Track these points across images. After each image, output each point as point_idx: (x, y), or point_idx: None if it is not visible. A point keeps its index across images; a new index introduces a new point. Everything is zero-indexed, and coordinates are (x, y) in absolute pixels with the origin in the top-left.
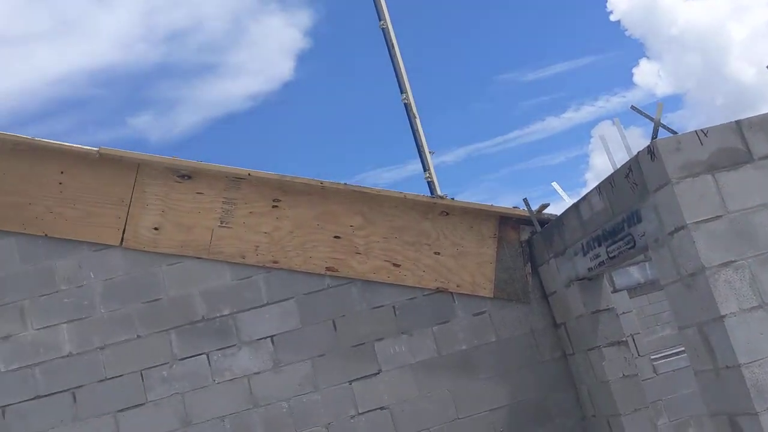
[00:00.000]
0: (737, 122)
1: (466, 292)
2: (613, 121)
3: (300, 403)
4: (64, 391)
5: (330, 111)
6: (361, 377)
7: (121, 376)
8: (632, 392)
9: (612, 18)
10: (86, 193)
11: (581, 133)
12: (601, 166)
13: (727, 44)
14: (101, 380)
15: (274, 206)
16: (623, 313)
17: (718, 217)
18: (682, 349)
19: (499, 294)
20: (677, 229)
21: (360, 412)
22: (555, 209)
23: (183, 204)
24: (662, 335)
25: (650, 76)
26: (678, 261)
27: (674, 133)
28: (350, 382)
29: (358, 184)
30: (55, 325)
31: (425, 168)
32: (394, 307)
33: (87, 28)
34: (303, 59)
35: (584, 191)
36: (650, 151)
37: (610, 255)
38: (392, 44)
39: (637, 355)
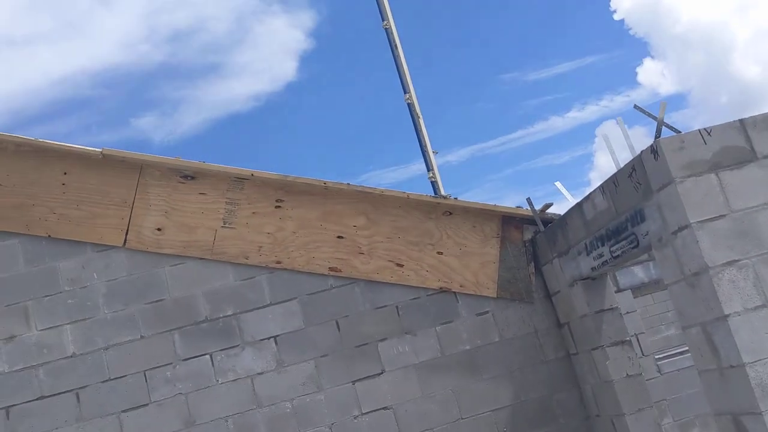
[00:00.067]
0: (741, 121)
1: (469, 292)
2: (617, 121)
3: (303, 404)
4: (68, 391)
5: (333, 111)
6: (365, 377)
7: (124, 376)
8: (636, 392)
9: (616, 17)
10: (89, 194)
11: (585, 133)
12: (605, 165)
13: (731, 43)
14: (105, 381)
15: (277, 206)
16: (627, 312)
17: (721, 216)
18: (687, 348)
19: (503, 294)
20: (681, 229)
21: (363, 412)
22: (558, 209)
23: (186, 205)
24: (666, 335)
25: (654, 75)
26: (682, 260)
27: (677, 132)
28: (353, 382)
29: (361, 184)
30: (58, 325)
31: (429, 168)
32: (397, 307)
33: (90, 29)
34: (306, 60)
35: (589, 191)
36: (653, 150)
37: (614, 254)
38: (395, 44)
39: (641, 355)
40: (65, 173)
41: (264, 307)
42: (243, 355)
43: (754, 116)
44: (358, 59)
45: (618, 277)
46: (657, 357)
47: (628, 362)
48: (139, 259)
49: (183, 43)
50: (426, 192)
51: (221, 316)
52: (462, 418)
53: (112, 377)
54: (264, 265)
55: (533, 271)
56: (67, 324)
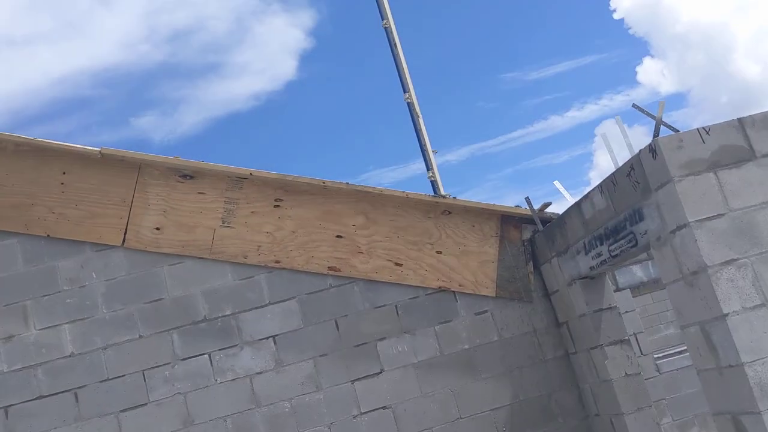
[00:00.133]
0: (740, 120)
1: (468, 292)
2: (616, 120)
3: (302, 403)
4: (67, 391)
5: (333, 111)
6: (364, 377)
7: (123, 376)
8: (635, 391)
9: (615, 16)
10: (88, 193)
11: (585, 132)
12: (605, 164)
13: (731, 42)
14: (103, 380)
15: (276, 206)
16: (626, 311)
17: (720, 215)
18: (685, 348)
19: (502, 293)
20: (679, 228)
21: (362, 411)
22: (557, 208)
23: (185, 204)
24: (665, 334)
25: (654, 75)
26: (680, 259)
27: (676, 131)
28: (352, 381)
29: (360, 183)
30: (57, 325)
31: (428, 167)
32: (396, 306)
33: (90, 29)
34: (306, 59)
35: (588, 190)
36: (652, 149)
37: (612, 254)
38: (395, 43)
39: (640, 354)
40: (64, 173)
41: (263, 306)
42: (242, 355)
43: (752, 115)
44: (358, 58)
45: (617, 277)
46: (656, 356)
47: (626, 361)
48: (137, 258)
49: (183, 42)
50: (426, 191)
51: (220, 315)
52: (461, 418)
53: (110, 377)
54: (263, 264)
55: (532, 270)
56: (66, 323)
